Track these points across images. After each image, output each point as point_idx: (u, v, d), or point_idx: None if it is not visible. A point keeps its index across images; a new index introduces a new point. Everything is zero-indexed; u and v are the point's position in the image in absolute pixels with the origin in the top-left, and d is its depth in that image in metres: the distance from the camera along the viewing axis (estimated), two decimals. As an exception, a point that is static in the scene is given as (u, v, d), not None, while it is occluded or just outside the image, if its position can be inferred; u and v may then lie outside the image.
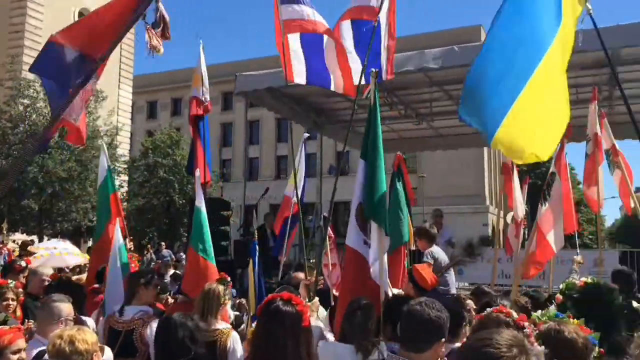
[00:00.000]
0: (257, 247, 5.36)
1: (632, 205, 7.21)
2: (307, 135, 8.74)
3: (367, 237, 4.10)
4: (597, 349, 2.08)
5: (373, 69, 4.67)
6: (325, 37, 6.15)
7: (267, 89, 11.11)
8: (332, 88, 6.33)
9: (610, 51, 8.96)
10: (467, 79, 4.04)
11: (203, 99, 8.01)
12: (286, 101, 12.61)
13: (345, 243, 4.25)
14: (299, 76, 6.23)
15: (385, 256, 4.13)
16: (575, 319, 2.20)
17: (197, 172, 5.30)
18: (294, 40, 6.07)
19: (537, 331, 2.34)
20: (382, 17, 6.05)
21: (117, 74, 36.39)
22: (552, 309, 2.40)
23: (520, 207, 7.78)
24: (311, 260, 10.60)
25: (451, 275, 6.52)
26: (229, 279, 4.64)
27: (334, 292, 5.86)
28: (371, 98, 4.52)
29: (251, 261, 5.14)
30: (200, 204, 4.94)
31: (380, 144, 4.36)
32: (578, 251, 7.33)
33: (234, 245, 11.75)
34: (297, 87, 11.56)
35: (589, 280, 2.81)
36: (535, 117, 4.03)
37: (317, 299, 4.60)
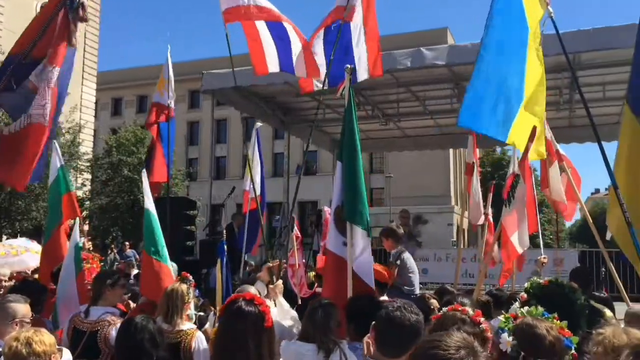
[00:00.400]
0: (225, 246, 5.29)
1: (579, 207, 7.44)
2: (259, 124, 8.64)
3: (346, 238, 4.09)
4: (570, 352, 2.11)
5: (348, 65, 4.59)
6: (287, 25, 6.12)
7: (234, 87, 11.02)
8: (296, 74, 6.29)
9: (571, 55, 9.23)
10: (470, 89, 4.14)
11: (167, 103, 7.96)
12: (253, 100, 12.54)
13: (327, 248, 4.24)
14: (272, 65, 6.18)
15: (368, 254, 4.11)
16: (559, 321, 2.22)
17: (144, 173, 5.13)
18: (262, 29, 6.01)
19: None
20: (358, 17, 6.05)
21: (81, 70, 35.61)
22: (540, 308, 2.40)
23: (476, 209, 7.91)
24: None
25: (416, 275, 6.57)
26: (190, 278, 4.55)
27: (297, 291, 5.86)
28: (346, 96, 4.47)
29: (219, 261, 5.06)
30: (149, 205, 4.80)
31: (358, 144, 4.29)
32: (542, 251, 7.48)
33: (199, 245, 11.63)
34: (265, 85, 11.54)
35: (553, 279, 2.87)
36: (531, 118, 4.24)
37: (280, 281, 4.57)
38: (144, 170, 5.73)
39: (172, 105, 7.97)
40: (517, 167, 7.48)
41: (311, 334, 3.15)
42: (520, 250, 7.35)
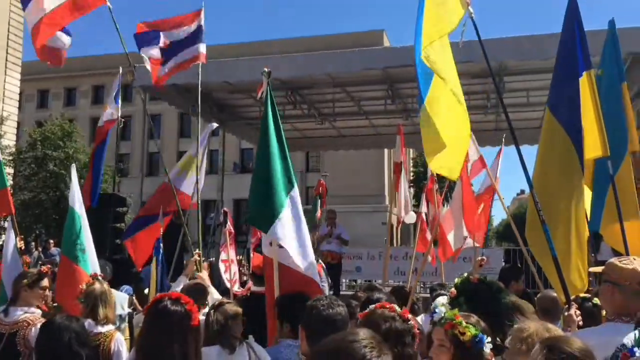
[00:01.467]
0: (161, 244, 5.18)
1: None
2: (214, 125, 8.46)
3: (275, 238, 4.05)
4: (485, 349, 2.20)
5: (265, 69, 4.57)
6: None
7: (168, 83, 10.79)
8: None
9: (497, 62, 9.65)
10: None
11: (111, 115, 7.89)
12: (188, 96, 12.31)
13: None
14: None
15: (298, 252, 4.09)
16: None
17: (73, 168, 4.96)
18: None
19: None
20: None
21: (4, 60, 33.75)
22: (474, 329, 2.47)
23: (405, 207, 8.11)
24: (211, 259, 10.44)
25: (326, 284, 6.72)
26: (106, 276, 4.41)
27: (231, 287, 5.82)
28: (265, 97, 4.42)
29: (155, 259, 4.95)
30: (75, 203, 4.61)
31: (272, 148, 4.26)
32: (483, 251, 7.76)
33: (130, 243, 11.31)
34: (200, 81, 11.34)
35: (482, 278, 2.99)
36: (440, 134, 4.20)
37: (205, 272, 4.55)
38: (73, 165, 5.51)
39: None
40: None
41: (211, 336, 3.17)
42: (454, 249, 7.64)
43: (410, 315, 2.36)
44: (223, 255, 6.19)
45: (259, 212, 4.17)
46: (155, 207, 6.49)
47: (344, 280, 14.76)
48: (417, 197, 21.69)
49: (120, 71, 8.64)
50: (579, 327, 3.13)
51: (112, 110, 8.49)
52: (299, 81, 11.10)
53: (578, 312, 3.21)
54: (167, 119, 46.63)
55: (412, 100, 11.68)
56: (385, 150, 40.28)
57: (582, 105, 4.11)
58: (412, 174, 44.68)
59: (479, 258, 6.96)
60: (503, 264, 14.04)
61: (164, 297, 2.62)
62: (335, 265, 11.58)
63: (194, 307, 2.56)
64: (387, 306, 2.34)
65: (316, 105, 12.89)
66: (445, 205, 7.18)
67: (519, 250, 14.28)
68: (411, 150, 44.71)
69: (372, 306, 2.38)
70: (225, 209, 7.43)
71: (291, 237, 4.01)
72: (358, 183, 41.70)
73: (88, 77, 48.77)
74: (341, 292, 11.87)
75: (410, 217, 8.44)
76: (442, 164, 3.95)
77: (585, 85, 4.25)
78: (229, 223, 6.81)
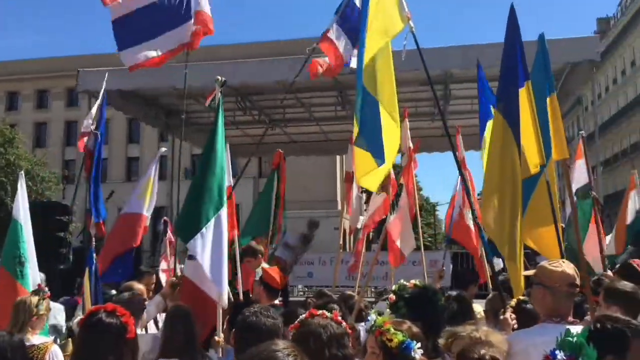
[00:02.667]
0: (94, 254, 5.02)
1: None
2: (164, 149, 8.25)
3: (192, 251, 3.99)
4: (414, 355, 2.23)
5: (219, 77, 4.54)
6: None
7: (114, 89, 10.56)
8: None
9: (443, 70, 9.88)
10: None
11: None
12: (136, 102, 12.09)
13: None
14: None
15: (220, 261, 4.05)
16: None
17: (21, 177, 4.76)
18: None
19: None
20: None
21: (-61, 61, 32.23)
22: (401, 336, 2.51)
23: (356, 215, 8.20)
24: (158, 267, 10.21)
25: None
26: (46, 289, 4.25)
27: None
28: (217, 107, 4.39)
29: (87, 270, 4.80)
30: (19, 214, 4.43)
31: (215, 160, 4.21)
32: (423, 254, 7.88)
33: (73, 253, 10.96)
34: (148, 87, 11.16)
35: (418, 282, 3.06)
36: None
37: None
38: (21, 173, 5.28)
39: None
40: (401, 176, 7.88)
41: (170, 347, 3.12)
42: (406, 254, 7.74)
43: (344, 323, 2.38)
44: (163, 265, 6.10)
45: (184, 221, 4.12)
46: (127, 243, 6.22)
47: (297, 286, 14.74)
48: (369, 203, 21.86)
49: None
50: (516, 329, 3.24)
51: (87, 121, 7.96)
52: (249, 87, 11.07)
53: (513, 315, 3.32)
54: (115, 124, 45.51)
55: (362, 107, 11.82)
56: (337, 157, 40.64)
57: (522, 116, 4.27)
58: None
59: (439, 269, 7.09)
60: (451, 267, 14.36)
61: (99, 310, 2.56)
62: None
63: (130, 319, 2.51)
64: (318, 313, 2.35)
65: (266, 111, 12.89)
66: (392, 212, 7.28)
67: (466, 254, 14.67)
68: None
69: (302, 316, 2.38)
70: (165, 218, 7.32)
71: (207, 256, 3.93)
72: (310, 188, 41.80)
73: (31, 81, 47.08)
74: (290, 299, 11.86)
75: (360, 221, 8.54)
76: (367, 178, 4.26)
77: (524, 95, 4.41)
78: (169, 232, 6.71)
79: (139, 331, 3.48)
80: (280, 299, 5.01)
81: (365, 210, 8.41)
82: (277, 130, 13.63)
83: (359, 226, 8.64)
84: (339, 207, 46.58)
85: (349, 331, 2.35)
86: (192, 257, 4.03)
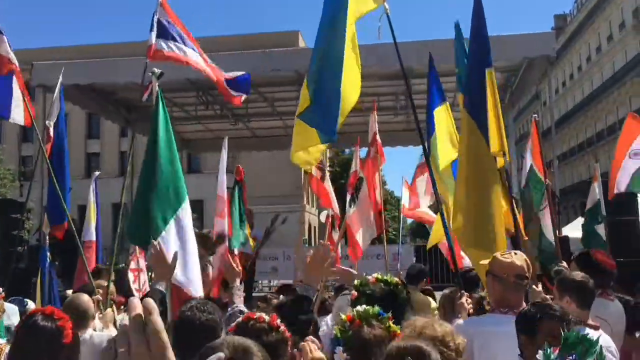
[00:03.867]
0: (47, 253, 4.89)
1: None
2: (97, 173, 8.05)
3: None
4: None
5: (155, 70, 4.37)
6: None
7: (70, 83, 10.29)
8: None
9: (405, 65, 9.95)
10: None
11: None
12: (94, 96, 11.81)
13: None
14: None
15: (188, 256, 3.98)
16: (397, 327, 2.35)
17: None
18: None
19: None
20: None
21: None
22: (377, 307, 2.51)
23: (335, 204, 8.28)
24: (121, 265, 10.05)
25: None
26: (0, 290, 4.12)
27: (140, 296, 5.63)
28: (155, 101, 4.18)
29: (40, 270, 4.67)
30: None
31: (159, 154, 3.97)
32: (385, 247, 7.93)
33: (28, 251, 10.65)
34: (106, 82, 10.91)
35: (379, 276, 3.06)
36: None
37: (109, 309, 4.32)
38: None
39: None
40: (359, 168, 7.91)
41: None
42: (363, 248, 7.79)
43: (278, 321, 2.30)
44: (132, 264, 5.99)
45: (137, 228, 3.88)
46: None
47: (261, 282, 14.67)
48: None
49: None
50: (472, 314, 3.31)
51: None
52: (208, 80, 10.92)
53: (469, 299, 3.39)
54: (73, 119, 44.35)
55: (325, 101, 11.83)
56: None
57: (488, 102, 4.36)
58: (329, 174, 45.30)
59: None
60: (414, 260, 14.55)
61: (36, 312, 2.50)
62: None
63: (67, 324, 2.43)
64: (254, 317, 2.28)
65: (228, 105, 12.75)
66: (352, 206, 7.31)
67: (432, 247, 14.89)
68: (327, 150, 45.35)
69: (239, 320, 2.33)
70: None
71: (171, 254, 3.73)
72: (275, 183, 41.68)
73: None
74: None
75: (322, 216, 8.56)
76: (302, 155, 4.39)
77: (488, 81, 4.50)
78: None
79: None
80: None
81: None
82: (240, 125, 13.52)
83: (322, 219, 8.66)
84: (304, 202, 46.64)
85: (287, 335, 2.29)
86: None
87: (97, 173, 7.72)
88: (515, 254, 2.98)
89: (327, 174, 8.44)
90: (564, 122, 46.94)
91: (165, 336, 1.00)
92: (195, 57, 6.05)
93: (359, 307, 2.61)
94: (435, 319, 2.48)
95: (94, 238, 6.22)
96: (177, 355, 2.31)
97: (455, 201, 4.34)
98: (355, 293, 3.04)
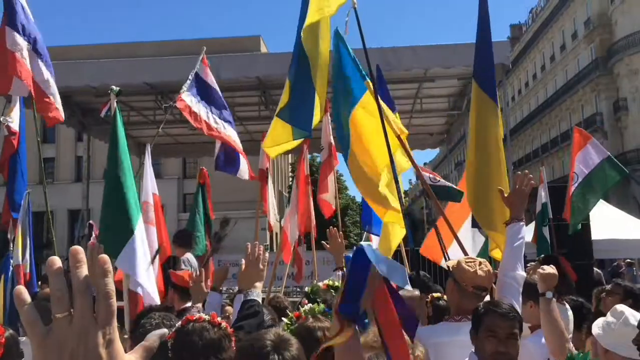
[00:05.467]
0: (11, 260, 4.75)
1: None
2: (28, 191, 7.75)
3: (121, 267, 3.95)
4: None
5: (113, 87, 4.39)
6: None
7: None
8: None
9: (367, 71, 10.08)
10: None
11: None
12: (48, 99, 11.50)
13: None
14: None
15: (149, 266, 4.01)
16: None
17: None
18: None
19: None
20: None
21: None
22: (322, 305, 2.56)
23: (273, 211, 8.17)
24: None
25: None
26: None
27: None
28: (113, 118, 4.22)
29: (2, 277, 4.52)
30: None
31: (125, 169, 4.10)
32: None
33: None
34: (60, 85, 10.63)
35: (330, 282, 3.08)
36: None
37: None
38: None
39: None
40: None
41: None
42: (291, 246, 7.72)
43: (219, 319, 2.35)
44: None
45: (110, 239, 4.01)
46: None
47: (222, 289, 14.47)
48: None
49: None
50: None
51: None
52: (168, 85, 10.79)
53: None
54: (28, 123, 43.10)
55: (286, 107, 11.82)
56: (259, 167, 40.32)
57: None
58: (290, 179, 45.08)
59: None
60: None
61: None
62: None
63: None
64: (194, 318, 2.30)
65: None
66: (288, 206, 7.27)
67: (397, 252, 15.03)
68: (290, 156, 45.18)
69: (178, 324, 2.34)
70: (91, 221, 7.00)
71: (139, 268, 3.94)
72: (236, 188, 41.35)
73: None
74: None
75: (283, 221, 8.47)
76: (275, 148, 4.52)
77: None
78: (94, 235, 6.43)
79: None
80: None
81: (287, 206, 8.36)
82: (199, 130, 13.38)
83: (275, 229, 8.56)
84: (267, 208, 46.40)
85: (229, 330, 2.33)
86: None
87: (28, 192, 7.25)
88: (480, 263, 2.96)
89: (270, 181, 8.32)
90: (520, 129, 48.19)
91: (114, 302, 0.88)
92: (219, 128, 6.22)
93: (305, 307, 2.68)
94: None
95: (20, 261, 5.55)
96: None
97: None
98: (306, 301, 3.07)
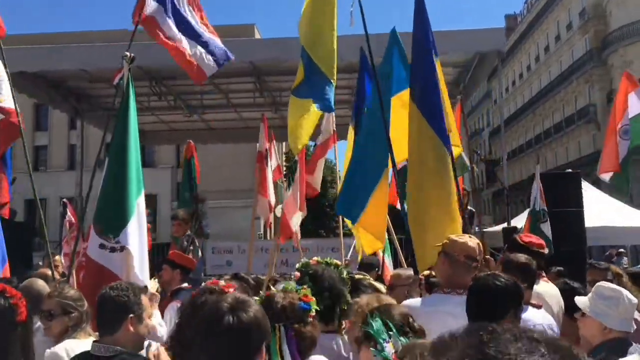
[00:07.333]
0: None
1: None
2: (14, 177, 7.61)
3: (106, 241, 3.86)
4: (308, 312, 2.34)
5: (127, 53, 4.35)
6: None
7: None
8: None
9: (348, 60, 10.02)
10: None
11: None
12: (42, 85, 11.41)
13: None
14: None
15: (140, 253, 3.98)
16: (308, 289, 2.45)
17: None
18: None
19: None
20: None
21: None
22: (292, 283, 2.63)
23: (272, 195, 8.18)
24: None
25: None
26: None
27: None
28: (124, 86, 4.23)
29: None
30: None
31: (131, 140, 4.08)
32: (342, 240, 7.98)
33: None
34: (54, 69, 10.56)
35: (319, 259, 3.18)
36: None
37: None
38: None
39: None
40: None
41: None
42: (294, 229, 7.79)
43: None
44: (65, 249, 5.83)
45: (108, 215, 3.96)
46: None
47: (214, 276, 14.51)
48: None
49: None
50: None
51: None
52: (162, 70, 10.73)
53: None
54: (21, 111, 42.75)
55: (281, 94, 11.78)
56: (257, 144, 40.29)
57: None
58: (285, 168, 45.06)
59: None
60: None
61: None
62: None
63: (21, 302, 2.35)
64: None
65: (183, 96, 12.55)
66: (289, 190, 7.29)
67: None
68: (284, 144, 45.13)
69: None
70: (64, 200, 6.99)
71: (136, 246, 3.90)
72: (230, 177, 41.24)
73: None
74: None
75: (278, 210, 8.46)
76: (294, 134, 4.53)
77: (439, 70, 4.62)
78: (69, 214, 6.44)
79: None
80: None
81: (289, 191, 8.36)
82: (194, 116, 13.33)
83: (277, 213, 8.56)
84: (267, 189, 46.34)
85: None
86: (114, 250, 3.86)
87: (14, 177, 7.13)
88: (470, 237, 3.10)
89: (270, 161, 8.26)
90: (514, 120, 48.32)
91: None
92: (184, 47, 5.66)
93: (279, 286, 2.77)
94: (377, 294, 2.63)
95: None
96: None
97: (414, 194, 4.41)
98: (298, 274, 3.13)
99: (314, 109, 4.64)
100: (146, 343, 2.60)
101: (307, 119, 4.64)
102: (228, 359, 1.57)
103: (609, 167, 7.11)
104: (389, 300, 2.59)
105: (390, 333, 1.95)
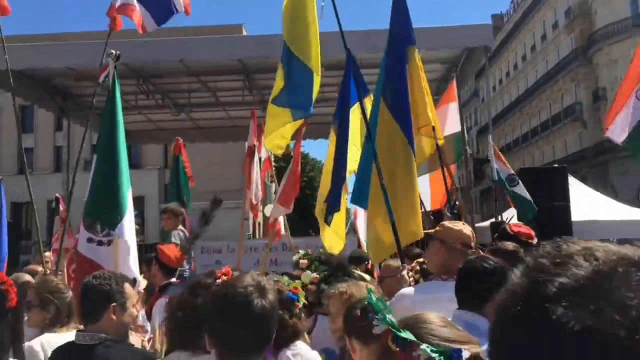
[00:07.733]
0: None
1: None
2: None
3: (93, 235, 3.88)
4: (295, 303, 2.44)
5: (112, 51, 4.35)
6: None
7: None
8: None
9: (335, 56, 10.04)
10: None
11: None
12: (27, 83, 11.28)
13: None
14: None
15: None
16: (298, 283, 2.56)
17: None
18: None
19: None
20: None
21: None
22: (286, 277, 2.75)
23: (256, 189, 8.16)
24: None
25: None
26: None
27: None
28: (110, 84, 4.24)
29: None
30: None
31: (119, 138, 4.13)
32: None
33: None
34: (40, 67, 10.46)
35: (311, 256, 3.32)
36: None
37: None
38: None
39: None
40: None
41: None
42: (280, 227, 7.81)
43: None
44: (55, 245, 5.79)
45: (103, 209, 4.01)
46: None
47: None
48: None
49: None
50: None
51: None
52: (149, 68, 10.67)
53: (411, 272, 3.51)
54: (6, 113, 42.36)
55: (270, 92, 11.72)
56: (246, 144, 40.16)
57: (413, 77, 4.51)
58: (274, 169, 44.95)
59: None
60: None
61: None
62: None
63: (11, 288, 2.34)
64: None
65: (170, 95, 12.48)
66: (279, 186, 7.30)
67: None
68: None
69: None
70: (57, 195, 6.95)
71: (132, 236, 4.00)
72: (219, 177, 41.06)
73: None
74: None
75: (268, 210, 8.45)
76: (273, 138, 4.64)
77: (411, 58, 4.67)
78: (61, 209, 6.37)
79: None
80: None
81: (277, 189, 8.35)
82: (182, 115, 13.25)
83: (267, 213, 8.55)
84: (251, 185, 46.23)
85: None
86: (101, 243, 3.87)
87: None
88: (463, 224, 3.15)
89: (256, 159, 8.26)
90: (500, 119, 48.65)
91: None
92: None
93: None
94: (354, 281, 2.75)
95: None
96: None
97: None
98: (305, 261, 3.23)
99: (292, 120, 4.70)
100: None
101: (287, 132, 4.74)
102: (257, 341, 1.72)
103: (626, 128, 6.94)
104: (365, 286, 2.68)
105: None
